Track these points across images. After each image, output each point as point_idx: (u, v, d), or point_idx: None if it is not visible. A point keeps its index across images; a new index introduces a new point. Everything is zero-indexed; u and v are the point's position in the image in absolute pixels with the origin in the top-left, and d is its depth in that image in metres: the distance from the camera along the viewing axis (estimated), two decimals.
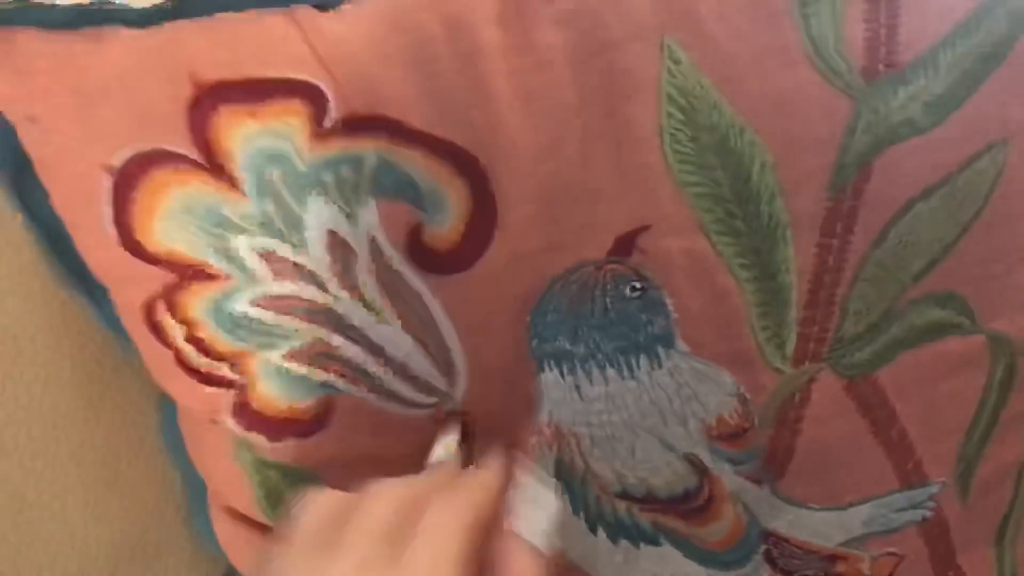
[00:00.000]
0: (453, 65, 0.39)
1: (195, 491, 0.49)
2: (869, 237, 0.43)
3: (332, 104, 0.38)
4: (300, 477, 0.44)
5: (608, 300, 0.41)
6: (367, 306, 0.41)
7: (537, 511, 0.36)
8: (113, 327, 0.42)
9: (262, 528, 0.46)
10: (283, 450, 0.43)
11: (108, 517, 0.45)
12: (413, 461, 0.42)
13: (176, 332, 0.41)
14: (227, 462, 0.45)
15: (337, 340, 0.41)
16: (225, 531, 0.48)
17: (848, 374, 0.44)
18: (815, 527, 0.45)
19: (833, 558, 0.46)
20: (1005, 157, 0.43)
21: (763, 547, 0.45)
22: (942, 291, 0.44)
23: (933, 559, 0.48)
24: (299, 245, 0.40)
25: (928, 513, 0.47)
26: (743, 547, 0.45)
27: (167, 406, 0.46)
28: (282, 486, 0.44)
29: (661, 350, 0.42)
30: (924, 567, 0.48)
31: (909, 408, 0.45)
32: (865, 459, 0.45)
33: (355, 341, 0.41)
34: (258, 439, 0.43)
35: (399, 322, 0.41)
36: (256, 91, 0.38)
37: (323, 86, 0.38)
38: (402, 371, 0.42)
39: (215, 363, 0.42)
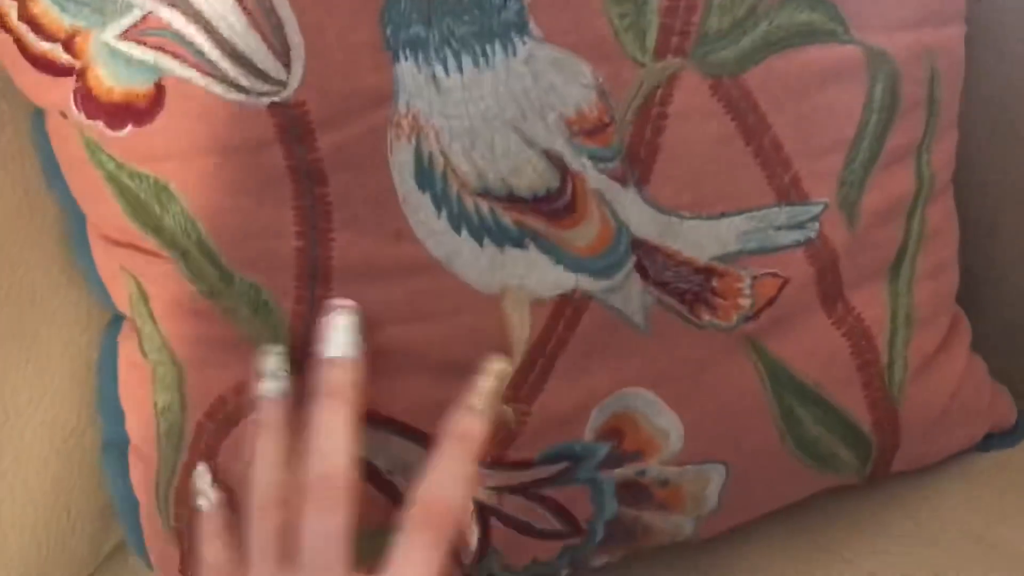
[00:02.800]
0: None
1: (77, 225, 0.49)
2: None
3: None
4: (151, 185, 0.44)
5: None
6: None
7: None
8: None
9: (138, 249, 0.46)
10: (125, 141, 0.43)
11: None
12: (246, 161, 0.42)
13: (10, 10, 0.41)
14: (88, 170, 0.45)
15: (167, 14, 0.41)
16: (102, 262, 0.49)
17: (713, 72, 0.43)
18: (687, 236, 0.45)
19: (709, 272, 0.46)
20: None
21: (633, 257, 0.45)
22: None
23: (820, 287, 0.48)
24: None
25: (812, 235, 0.47)
26: (612, 254, 0.44)
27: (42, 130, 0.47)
28: (139, 193, 0.44)
29: (515, 36, 0.41)
30: (810, 294, 0.48)
31: (782, 117, 0.45)
32: (736, 166, 0.45)
33: (186, 15, 0.41)
34: (100, 129, 0.43)
35: None
36: None
37: None
38: (233, 51, 0.41)
39: (50, 44, 0.42)
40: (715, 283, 0.46)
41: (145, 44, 0.42)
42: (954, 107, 0.52)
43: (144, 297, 0.47)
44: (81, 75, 0.43)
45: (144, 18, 0.42)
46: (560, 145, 0.43)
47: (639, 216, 0.44)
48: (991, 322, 0.60)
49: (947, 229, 0.53)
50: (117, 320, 0.52)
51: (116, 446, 0.52)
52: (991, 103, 0.56)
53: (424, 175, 0.43)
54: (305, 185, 0.43)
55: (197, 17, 0.41)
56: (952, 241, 0.53)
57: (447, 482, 0.41)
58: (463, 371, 0.45)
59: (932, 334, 0.52)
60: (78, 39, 0.42)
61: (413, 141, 0.43)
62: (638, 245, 0.45)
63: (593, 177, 0.43)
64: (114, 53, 0.42)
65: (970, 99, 0.54)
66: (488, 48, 0.41)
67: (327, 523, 0.40)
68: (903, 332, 0.50)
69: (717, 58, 0.43)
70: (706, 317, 0.46)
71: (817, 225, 0.47)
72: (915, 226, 0.50)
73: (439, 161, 0.43)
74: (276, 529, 0.41)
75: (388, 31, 0.41)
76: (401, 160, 0.43)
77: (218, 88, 0.42)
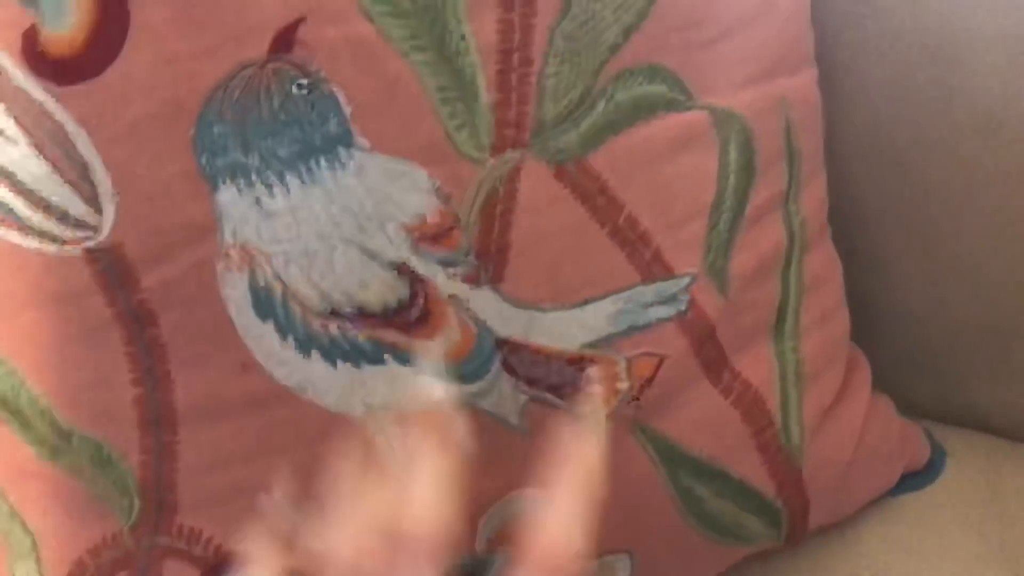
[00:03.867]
0: None
1: None
2: (552, 8, 0.40)
3: None
4: None
5: (275, 102, 0.39)
6: None
7: None
8: None
9: None
10: None
11: None
12: (67, 312, 0.40)
13: None
14: None
15: None
16: None
17: (556, 159, 0.41)
18: (552, 328, 0.43)
19: (581, 361, 0.43)
20: None
21: (499, 356, 0.42)
22: (645, 64, 0.42)
23: (701, 358, 0.46)
24: None
25: (683, 307, 0.45)
26: (477, 357, 0.42)
27: None
28: None
29: (341, 150, 0.39)
30: (691, 367, 0.46)
31: (634, 194, 0.43)
32: (593, 251, 0.43)
33: None
34: None
35: (28, 142, 0.38)
36: None
37: None
38: (39, 200, 0.39)
39: None
40: (589, 371, 0.44)
41: None
42: (817, 152, 0.50)
43: None
44: None
45: None
46: (405, 254, 0.41)
47: (499, 315, 0.42)
48: (891, 353, 0.58)
49: (829, 275, 0.51)
50: None
51: None
52: (862, 134, 0.55)
53: (262, 304, 0.40)
54: (134, 329, 0.40)
55: None
56: (836, 286, 0.52)
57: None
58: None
59: (827, 385, 0.50)
60: None
61: (246, 271, 0.40)
62: (502, 344, 0.42)
63: (444, 283, 0.41)
64: None
65: (842, 133, 0.54)
66: (313, 165, 0.39)
67: None
68: (794, 390, 0.49)
69: (557, 144, 0.41)
70: (585, 407, 0.44)
71: (688, 296, 0.45)
72: (792, 279, 0.49)
73: (276, 288, 0.40)
74: None
75: (203, 160, 0.39)
76: (236, 292, 0.40)
77: (27, 240, 0.39)
